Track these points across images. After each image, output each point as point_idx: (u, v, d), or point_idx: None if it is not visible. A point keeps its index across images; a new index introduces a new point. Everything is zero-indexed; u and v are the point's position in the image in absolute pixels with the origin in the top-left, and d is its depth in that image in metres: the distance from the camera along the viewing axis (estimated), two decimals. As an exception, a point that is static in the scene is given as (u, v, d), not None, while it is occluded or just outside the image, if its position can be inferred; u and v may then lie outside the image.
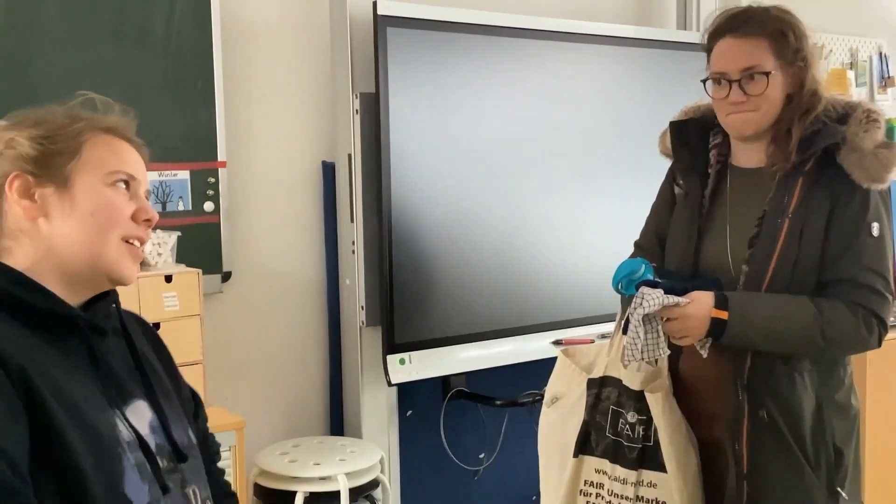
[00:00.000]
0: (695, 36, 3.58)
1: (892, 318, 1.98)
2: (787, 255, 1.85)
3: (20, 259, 1.20)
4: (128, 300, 2.38)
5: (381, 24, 2.75)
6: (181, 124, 2.72)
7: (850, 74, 4.41)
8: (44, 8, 2.49)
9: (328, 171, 3.00)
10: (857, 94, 4.43)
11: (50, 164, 1.20)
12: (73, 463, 1.10)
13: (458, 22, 2.93)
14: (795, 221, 1.84)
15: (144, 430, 1.21)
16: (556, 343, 3.15)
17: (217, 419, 2.44)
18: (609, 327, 3.12)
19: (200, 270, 2.53)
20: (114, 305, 1.29)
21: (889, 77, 4.58)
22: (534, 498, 3.33)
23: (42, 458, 1.09)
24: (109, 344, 1.24)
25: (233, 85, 2.82)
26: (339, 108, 2.91)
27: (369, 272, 2.88)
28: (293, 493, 2.55)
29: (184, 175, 2.74)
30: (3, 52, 2.45)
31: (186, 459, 1.26)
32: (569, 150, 3.25)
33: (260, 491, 2.62)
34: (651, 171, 3.26)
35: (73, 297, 1.21)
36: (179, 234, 2.58)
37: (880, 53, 4.58)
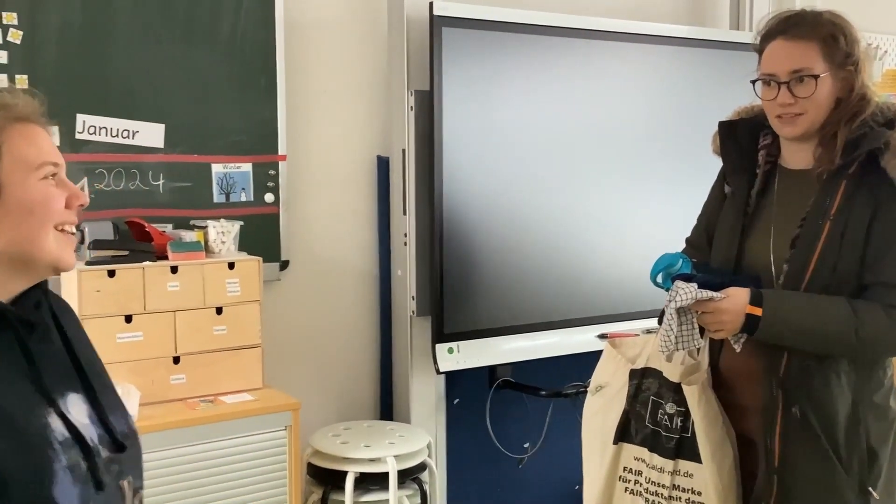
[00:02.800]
0: (747, 36, 3.60)
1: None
2: (826, 256, 1.87)
3: None
4: (193, 285, 2.53)
5: (437, 24, 2.84)
6: (245, 119, 2.84)
7: (875, 68, 4.37)
8: (118, 9, 2.64)
9: (382, 165, 3.10)
10: (875, 90, 4.38)
11: None
12: None
13: (511, 22, 3.01)
14: (837, 224, 1.86)
15: (83, 421, 1.20)
16: (601, 336, 3.22)
17: (273, 400, 2.58)
18: (653, 322, 3.20)
19: (261, 258, 2.65)
20: (43, 295, 1.27)
21: (941, 78, 4.53)
22: (577, 487, 3.40)
23: None
24: (41, 336, 1.22)
25: (294, 82, 2.93)
26: (395, 104, 3.02)
27: (420, 264, 2.98)
28: (344, 473, 2.66)
29: (246, 167, 2.86)
30: (80, 51, 2.59)
31: (125, 449, 1.24)
32: (618, 148, 3.30)
33: (313, 470, 2.74)
34: (698, 169, 3.30)
35: (4, 293, 1.20)
36: (242, 223, 2.71)
37: (933, 54, 4.53)
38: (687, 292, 1.87)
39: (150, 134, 2.71)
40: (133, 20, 2.66)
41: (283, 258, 2.95)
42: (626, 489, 2.08)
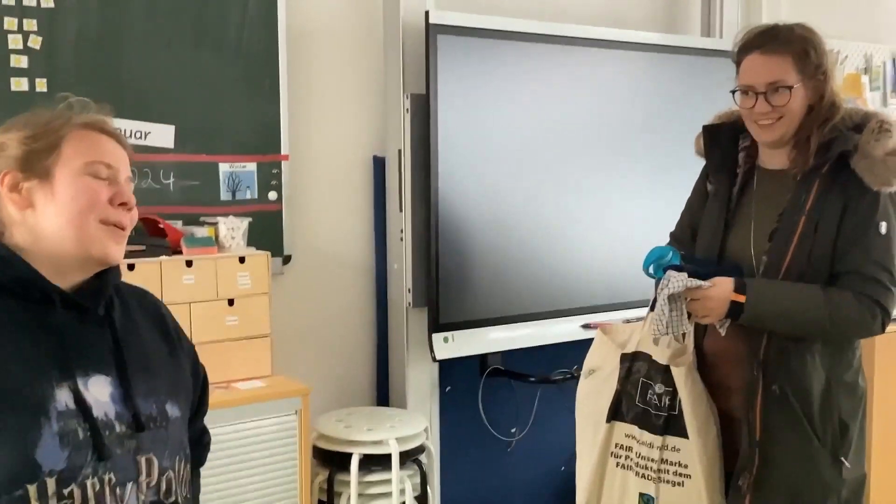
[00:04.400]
0: (717, 43, 3.87)
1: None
2: (802, 248, 2.03)
3: (18, 244, 1.32)
4: (206, 278, 2.68)
5: (433, 31, 3.01)
6: (250, 120, 2.99)
7: (865, 79, 4.62)
8: (132, 16, 2.77)
9: (378, 164, 3.27)
10: (870, 99, 4.63)
11: (33, 161, 1.32)
12: None
13: (501, 30, 3.18)
14: (811, 218, 2.02)
15: (102, 399, 1.29)
16: (585, 326, 3.42)
17: (284, 386, 2.73)
18: (633, 313, 3.40)
19: (270, 252, 2.80)
20: (115, 288, 1.39)
21: (902, 82, 4.79)
22: (562, 468, 3.61)
23: None
24: (87, 320, 1.33)
25: (296, 85, 3.08)
26: (390, 107, 3.18)
27: (416, 258, 3.15)
28: (349, 455, 2.82)
29: (251, 166, 3.01)
30: (96, 56, 2.72)
31: (144, 429, 1.32)
32: (598, 149, 3.50)
33: (318, 452, 2.89)
34: (673, 167, 3.54)
35: (65, 280, 1.32)
36: (251, 220, 2.86)
37: (893, 59, 4.78)
38: (678, 281, 2.03)
39: (162, 135, 2.84)
40: (146, 27, 2.79)
41: (286, 253, 3.10)
42: (618, 464, 2.21)
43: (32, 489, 1.21)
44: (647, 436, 2.16)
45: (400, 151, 3.14)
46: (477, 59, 3.15)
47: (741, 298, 2.03)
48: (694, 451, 2.12)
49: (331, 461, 2.86)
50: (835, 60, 2.19)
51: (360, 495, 2.82)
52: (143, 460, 1.33)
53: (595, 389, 2.27)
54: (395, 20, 3.10)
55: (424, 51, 3.03)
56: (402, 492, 2.86)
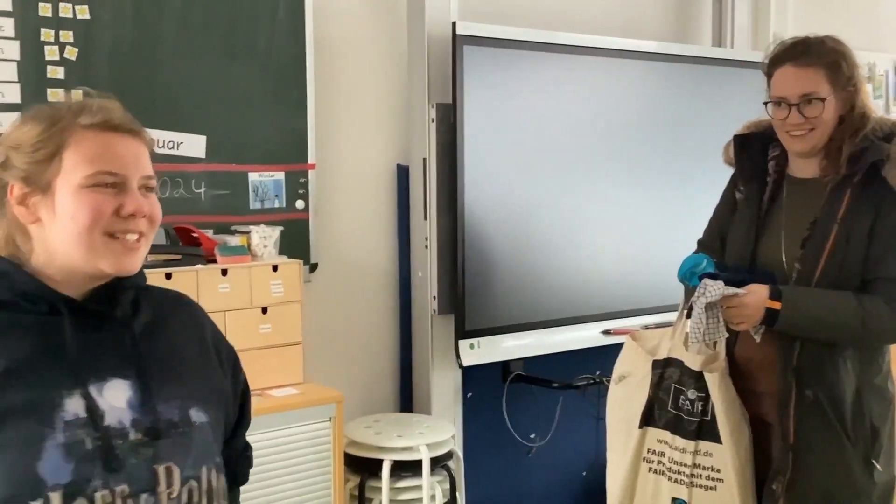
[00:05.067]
0: (728, 52, 3.92)
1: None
2: (834, 256, 2.08)
3: (35, 258, 1.27)
4: (241, 287, 2.70)
5: (459, 42, 3.05)
6: (278, 130, 3.02)
7: (868, 88, 4.71)
8: (165, 28, 2.80)
9: (402, 173, 3.31)
10: (874, 107, 4.72)
11: (35, 174, 1.25)
12: None
13: (524, 40, 3.23)
14: (843, 227, 2.07)
15: (117, 405, 1.24)
16: (605, 332, 3.47)
17: (317, 393, 2.77)
18: (651, 318, 3.46)
19: (301, 261, 2.84)
20: (147, 292, 1.34)
21: (904, 90, 4.89)
22: (584, 474, 3.66)
23: None
24: (102, 326, 1.28)
25: (322, 96, 3.12)
26: (415, 116, 3.22)
27: (442, 265, 3.19)
28: (380, 462, 2.85)
29: (279, 176, 3.04)
30: (130, 68, 2.75)
31: (161, 436, 1.25)
32: (616, 157, 3.55)
33: (349, 459, 2.92)
34: (689, 176, 3.60)
35: (80, 288, 1.27)
36: (282, 228, 2.89)
37: (895, 68, 4.88)
38: (715, 289, 2.07)
39: (193, 145, 2.87)
40: (178, 39, 2.82)
41: (313, 261, 3.13)
42: (650, 469, 2.25)
43: None
44: (679, 441, 2.20)
45: (425, 160, 3.18)
46: (501, 68, 3.20)
47: (776, 305, 2.07)
48: (727, 455, 2.16)
49: (362, 467, 2.89)
50: (864, 72, 2.22)
51: (391, 501, 2.84)
52: (161, 469, 1.25)
53: (626, 395, 2.31)
54: (421, 31, 3.15)
55: (451, 61, 3.07)
56: (433, 497, 2.89)
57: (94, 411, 1.21)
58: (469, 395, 3.40)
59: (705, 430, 2.18)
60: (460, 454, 3.10)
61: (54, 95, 2.63)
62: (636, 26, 3.87)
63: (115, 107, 1.29)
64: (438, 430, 3.01)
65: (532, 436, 3.53)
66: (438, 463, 2.95)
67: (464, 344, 3.13)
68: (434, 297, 3.21)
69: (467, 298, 3.15)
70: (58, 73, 2.64)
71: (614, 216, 3.53)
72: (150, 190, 1.29)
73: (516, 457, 3.49)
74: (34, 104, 1.35)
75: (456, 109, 3.08)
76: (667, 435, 2.22)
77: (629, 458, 2.27)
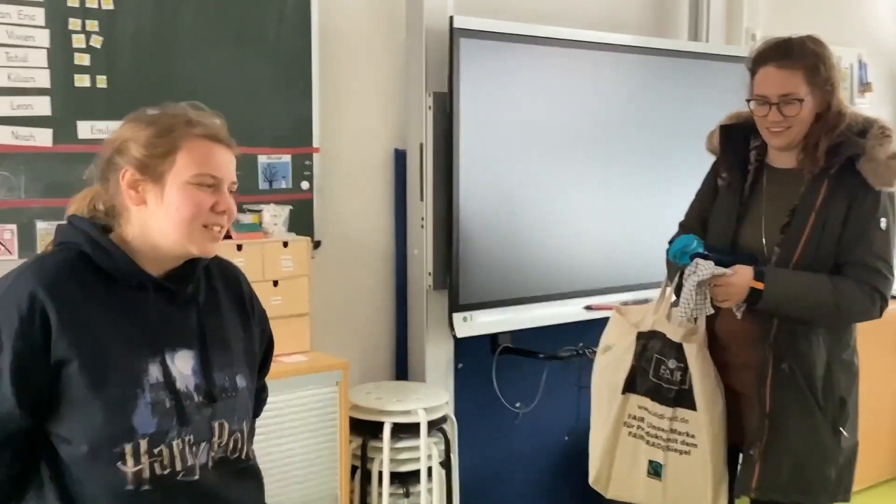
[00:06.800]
0: (703, 46, 4.16)
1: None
2: (811, 241, 2.24)
3: (130, 229, 1.52)
4: (254, 261, 2.91)
5: (456, 35, 3.26)
6: (285, 115, 3.21)
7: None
8: (182, 19, 2.98)
9: (400, 157, 3.51)
10: (848, 104, 4.98)
11: (150, 166, 1.49)
12: (79, 394, 1.42)
13: (515, 34, 3.45)
14: (820, 215, 2.24)
15: (185, 373, 1.51)
16: (588, 308, 3.71)
17: (325, 360, 2.99)
18: (630, 295, 3.70)
19: (310, 238, 3.04)
20: (204, 267, 1.60)
21: (867, 83, 5.14)
22: (566, 438, 3.91)
23: (57, 390, 1.43)
24: (176, 301, 1.53)
25: (326, 83, 3.31)
26: (413, 104, 3.42)
27: (437, 243, 3.40)
28: (381, 424, 3.07)
29: (286, 158, 3.24)
30: (150, 55, 2.93)
31: (216, 400, 1.54)
32: (599, 144, 3.77)
33: (352, 422, 3.14)
34: (667, 163, 3.83)
35: (161, 266, 1.53)
36: (291, 208, 3.09)
37: (860, 61, 5.12)
38: (706, 268, 2.25)
39: (207, 128, 3.06)
40: (194, 28, 3.01)
41: (317, 238, 3.33)
42: (630, 433, 2.42)
43: (129, 447, 1.46)
44: (658, 407, 2.36)
45: (422, 145, 3.38)
46: (494, 60, 3.42)
47: (759, 286, 2.23)
48: (701, 422, 2.32)
49: (364, 429, 3.11)
50: (840, 71, 2.38)
51: (391, 460, 3.07)
52: (216, 425, 1.55)
53: (611, 365, 2.47)
54: (419, 24, 3.35)
55: (448, 52, 3.28)
56: (430, 457, 3.12)
57: (168, 377, 1.50)
58: (460, 366, 3.63)
59: (683, 397, 2.34)
60: (454, 419, 3.33)
61: (80, 80, 2.82)
62: (619, 21, 4.09)
63: (220, 123, 1.58)
64: (434, 396, 3.24)
65: (518, 404, 3.76)
66: (435, 426, 3.18)
67: (457, 317, 3.36)
68: (429, 274, 3.42)
69: (460, 275, 3.37)
70: (84, 59, 2.82)
71: (597, 200, 3.76)
72: (231, 192, 1.56)
73: (504, 422, 3.73)
74: (147, 110, 1.59)
75: (452, 98, 3.29)
76: (647, 402, 2.39)
77: (611, 422, 2.44)
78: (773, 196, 2.35)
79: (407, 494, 3.12)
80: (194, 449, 1.52)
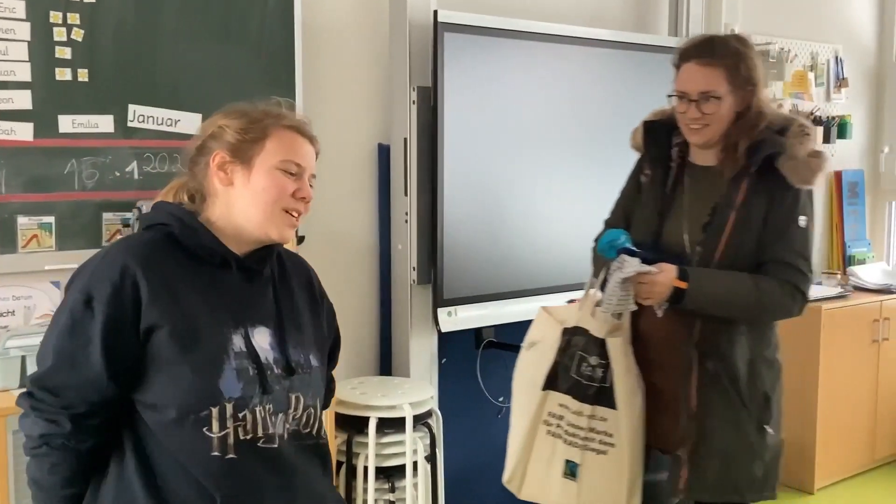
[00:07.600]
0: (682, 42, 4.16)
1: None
2: (732, 240, 2.24)
3: (215, 211, 1.62)
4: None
5: (440, 29, 3.26)
6: (269, 110, 3.20)
7: (811, 76, 5.03)
8: (165, 13, 2.96)
9: (384, 152, 3.51)
10: (816, 94, 5.04)
11: (241, 150, 1.61)
12: (170, 358, 1.50)
13: (500, 28, 3.45)
14: (741, 214, 2.24)
15: (264, 346, 1.59)
16: (570, 302, 3.72)
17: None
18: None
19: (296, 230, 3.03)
20: (276, 254, 1.69)
21: (843, 79, 5.20)
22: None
23: (146, 357, 1.52)
24: (257, 281, 1.63)
25: (310, 78, 3.30)
26: (396, 98, 3.42)
27: (421, 238, 3.40)
28: (366, 419, 3.07)
29: (270, 153, 3.22)
30: (132, 49, 2.91)
31: (294, 373, 1.62)
32: (582, 138, 3.79)
33: (337, 417, 3.14)
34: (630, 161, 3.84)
35: (241, 247, 1.62)
36: (276, 202, 3.08)
37: (836, 57, 5.18)
38: (631, 265, 2.23)
39: (190, 122, 3.03)
40: (177, 22, 2.98)
41: (300, 233, 3.32)
42: (548, 431, 2.35)
43: (215, 411, 1.53)
44: (577, 405, 2.30)
45: (406, 140, 3.39)
46: (477, 54, 3.42)
47: (683, 285, 2.22)
48: (620, 421, 2.29)
49: (349, 425, 3.11)
50: (765, 71, 2.35)
51: (377, 455, 3.07)
52: (293, 397, 1.63)
53: (534, 360, 2.41)
54: (403, 18, 3.34)
55: (432, 46, 3.28)
56: (415, 452, 3.13)
57: (250, 347, 1.58)
58: (443, 360, 3.63)
59: (602, 395, 2.30)
60: (439, 413, 3.33)
61: (61, 74, 2.79)
62: (601, 16, 4.11)
63: (304, 117, 1.70)
64: (419, 390, 3.25)
65: (501, 398, 3.77)
66: (420, 420, 3.18)
67: (442, 312, 3.37)
68: (413, 268, 3.43)
69: (444, 270, 3.37)
70: (65, 53, 2.79)
71: (578, 195, 3.78)
72: (310, 184, 1.67)
73: (488, 416, 3.75)
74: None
75: (436, 92, 3.29)
76: (567, 399, 2.32)
77: (529, 418, 2.37)
78: (695, 193, 2.34)
79: (392, 489, 3.12)
80: (272, 419, 1.58)
